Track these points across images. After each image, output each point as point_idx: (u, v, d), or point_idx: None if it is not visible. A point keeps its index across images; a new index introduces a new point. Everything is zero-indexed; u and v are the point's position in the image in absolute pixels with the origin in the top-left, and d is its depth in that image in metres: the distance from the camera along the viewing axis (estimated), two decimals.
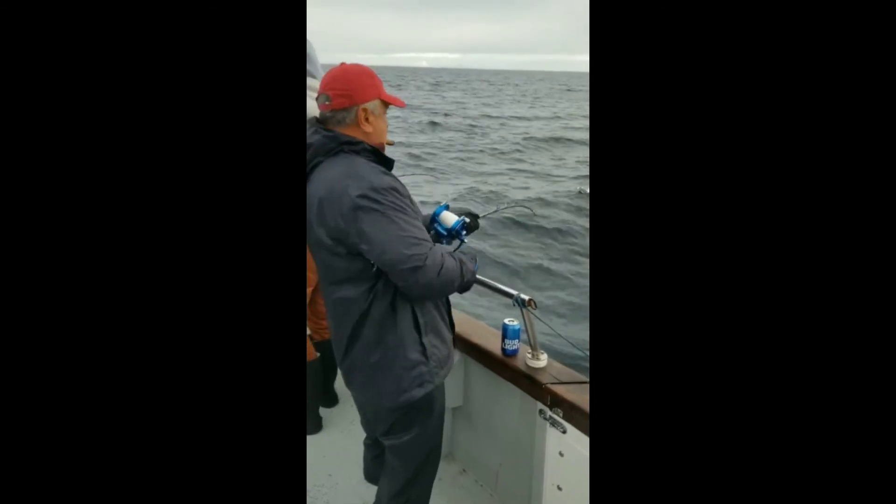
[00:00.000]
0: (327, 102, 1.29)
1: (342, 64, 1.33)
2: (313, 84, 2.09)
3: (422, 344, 1.34)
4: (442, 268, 1.24)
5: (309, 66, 2.09)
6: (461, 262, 1.33)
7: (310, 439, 2.17)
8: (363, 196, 1.18)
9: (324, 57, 2.19)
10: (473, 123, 24.22)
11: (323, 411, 2.37)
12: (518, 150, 16.89)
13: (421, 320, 1.34)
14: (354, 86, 1.29)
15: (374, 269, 1.25)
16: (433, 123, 23.46)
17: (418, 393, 1.35)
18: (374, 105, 1.31)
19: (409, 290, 1.25)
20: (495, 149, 16.89)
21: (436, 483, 2.00)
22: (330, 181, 1.23)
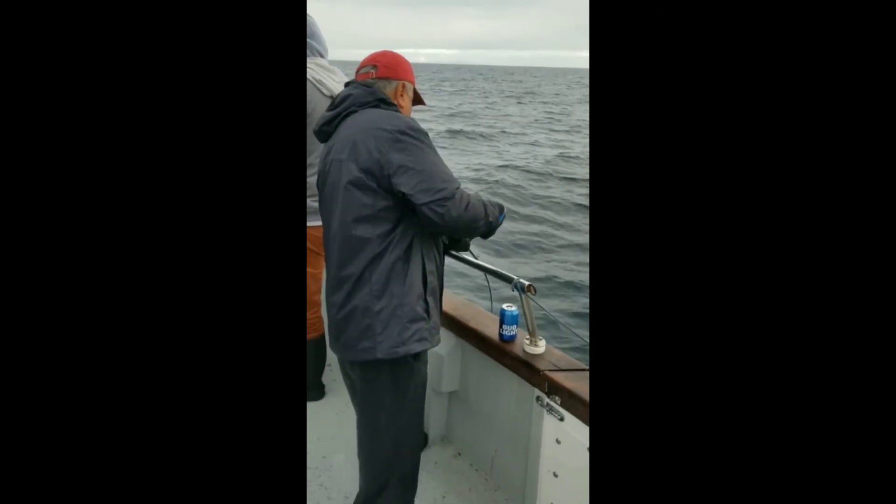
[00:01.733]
0: (372, 72, 1.44)
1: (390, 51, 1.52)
2: (323, 63, 2.07)
3: (426, 301, 1.37)
4: (469, 203, 1.35)
5: (315, 44, 2.07)
6: (485, 204, 1.43)
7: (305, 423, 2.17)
8: (402, 132, 1.30)
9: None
10: None
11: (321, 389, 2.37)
12: None
13: (428, 277, 1.38)
14: (400, 64, 1.47)
15: (398, 210, 1.32)
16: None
17: (416, 347, 1.36)
18: (409, 87, 1.49)
19: (438, 222, 1.30)
20: None
21: (430, 466, 2.01)
22: (367, 121, 1.34)
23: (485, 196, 1.47)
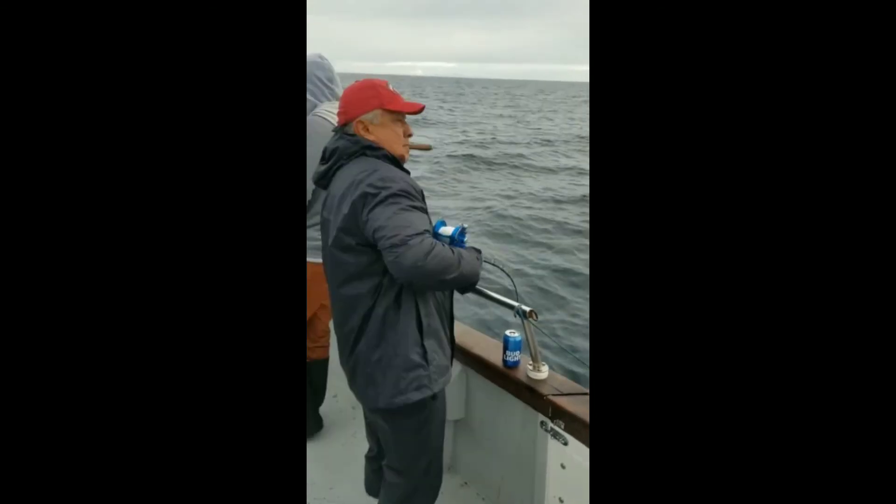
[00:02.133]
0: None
1: (354, 83, 1.44)
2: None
3: (423, 346, 1.35)
4: (431, 252, 1.21)
5: (334, 87, 2.10)
6: (460, 255, 1.30)
7: (311, 452, 2.16)
8: (372, 185, 1.26)
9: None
10: None
11: (325, 421, 2.37)
12: None
13: (424, 321, 1.35)
14: (351, 101, 1.40)
15: (382, 263, 1.28)
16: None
17: (415, 396, 1.35)
18: (372, 116, 1.37)
19: (396, 269, 1.21)
20: None
21: (437, 497, 2.00)
22: (349, 177, 1.32)
23: (459, 250, 1.34)
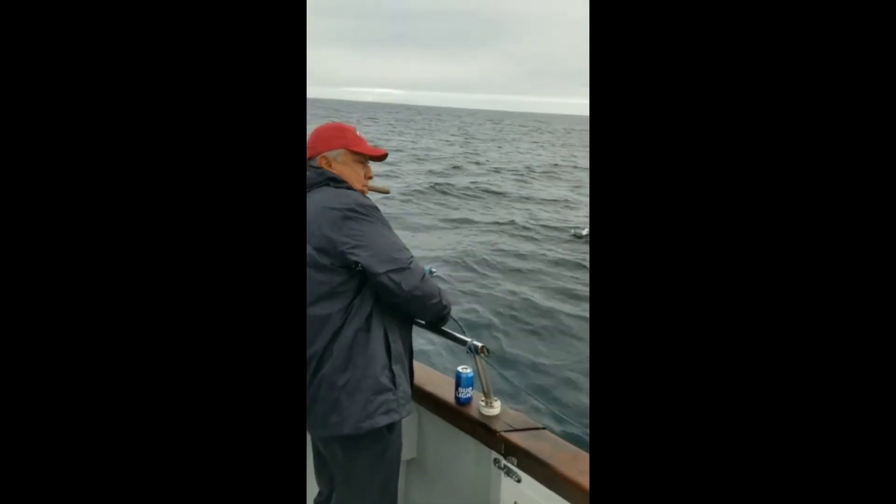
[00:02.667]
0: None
1: (326, 123, 1.57)
2: None
3: (391, 370, 1.36)
4: (424, 276, 1.37)
5: None
6: (438, 287, 1.45)
7: None
8: (351, 209, 1.33)
9: None
10: None
11: None
12: None
13: (392, 346, 1.37)
14: (319, 138, 1.49)
15: (354, 283, 1.33)
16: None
17: (383, 420, 1.34)
18: (336, 154, 1.46)
19: (396, 291, 1.31)
20: None
21: None
22: (316, 204, 1.36)
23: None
